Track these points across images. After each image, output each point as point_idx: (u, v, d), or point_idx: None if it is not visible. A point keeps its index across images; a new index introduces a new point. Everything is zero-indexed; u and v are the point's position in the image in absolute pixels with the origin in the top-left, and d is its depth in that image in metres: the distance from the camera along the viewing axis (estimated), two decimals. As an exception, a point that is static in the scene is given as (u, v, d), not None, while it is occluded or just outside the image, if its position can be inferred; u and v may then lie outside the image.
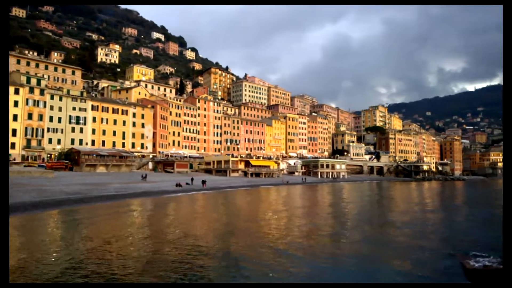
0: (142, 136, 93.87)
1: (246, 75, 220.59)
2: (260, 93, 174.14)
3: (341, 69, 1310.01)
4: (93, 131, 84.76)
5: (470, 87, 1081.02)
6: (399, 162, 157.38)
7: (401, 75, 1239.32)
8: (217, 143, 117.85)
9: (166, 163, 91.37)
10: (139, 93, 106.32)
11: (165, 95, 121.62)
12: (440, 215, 36.04)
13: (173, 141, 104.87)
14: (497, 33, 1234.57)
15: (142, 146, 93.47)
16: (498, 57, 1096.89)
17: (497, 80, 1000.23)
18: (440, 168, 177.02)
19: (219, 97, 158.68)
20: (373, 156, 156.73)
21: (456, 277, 13.56)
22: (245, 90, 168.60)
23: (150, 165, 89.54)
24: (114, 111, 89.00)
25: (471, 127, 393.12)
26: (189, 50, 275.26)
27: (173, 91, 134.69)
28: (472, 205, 48.67)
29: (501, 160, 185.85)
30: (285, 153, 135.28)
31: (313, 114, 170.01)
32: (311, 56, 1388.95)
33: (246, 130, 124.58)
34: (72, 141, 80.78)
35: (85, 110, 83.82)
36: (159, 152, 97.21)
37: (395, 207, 43.69)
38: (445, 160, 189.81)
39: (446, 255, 17.27)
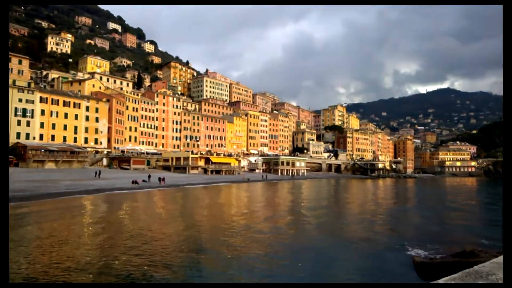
0: (96, 131, 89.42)
1: (207, 70, 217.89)
2: (221, 89, 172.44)
3: (302, 68, 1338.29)
4: (42, 125, 79.40)
5: (422, 89, 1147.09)
6: (356, 160, 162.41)
7: (359, 75, 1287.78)
8: (176, 140, 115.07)
9: (121, 160, 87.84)
10: (93, 85, 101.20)
11: (121, 88, 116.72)
12: (391, 211, 37.21)
13: (130, 137, 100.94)
14: (447, 38, 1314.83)
15: (96, 141, 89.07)
16: (448, 61, 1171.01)
17: (447, 84, 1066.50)
18: (394, 166, 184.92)
19: (179, 92, 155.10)
20: (332, 154, 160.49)
21: (406, 270, 14.02)
22: (206, 85, 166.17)
23: (105, 161, 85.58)
24: (65, 104, 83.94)
25: (422, 128, 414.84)
26: (148, 42, 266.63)
27: (130, 84, 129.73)
28: (421, 202, 50.91)
29: (448, 159, 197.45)
30: (246, 150, 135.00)
31: (275, 112, 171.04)
32: (273, 54, 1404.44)
33: (207, 127, 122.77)
34: (18, 135, 75.14)
35: (32, 102, 78.26)
36: (115, 148, 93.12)
37: (350, 203, 44.66)
38: (399, 158, 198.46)
39: (397, 248, 17.65)
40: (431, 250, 16.79)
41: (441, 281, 2.75)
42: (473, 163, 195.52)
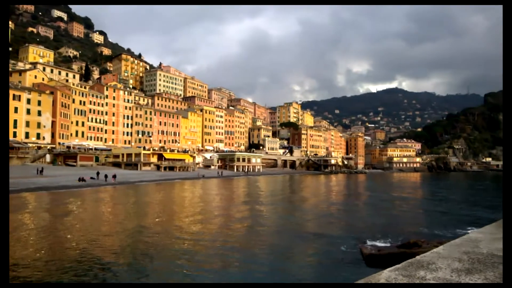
0: (39, 125, 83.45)
1: (160, 64, 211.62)
2: (175, 84, 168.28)
3: (258, 65, 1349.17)
4: (-25, 118, 72.62)
5: (373, 88, 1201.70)
6: (310, 157, 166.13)
7: (314, 74, 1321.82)
8: (127, 135, 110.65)
9: (67, 156, 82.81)
10: (35, 77, 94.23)
11: (67, 80, 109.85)
12: (343, 205, 38.20)
13: (76, 132, 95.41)
14: (395, 39, 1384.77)
15: (38, 136, 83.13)
16: (396, 62, 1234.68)
17: (395, 83, 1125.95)
18: (346, 162, 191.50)
19: (131, 86, 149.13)
20: (287, 151, 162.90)
21: (356, 261, 14.41)
22: (160, 79, 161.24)
23: (48, 157, 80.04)
24: (3, 95, 77.36)
25: (373, 125, 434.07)
26: (97, 33, 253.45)
27: (77, 76, 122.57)
28: (371, 195, 52.89)
29: (395, 155, 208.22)
30: (202, 146, 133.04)
31: (231, 108, 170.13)
32: (229, 49, 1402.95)
33: (160, 122, 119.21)
34: None
35: (-36, 92, 71.28)
36: (59, 143, 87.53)
37: (304, 199, 45.32)
38: (350, 154, 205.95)
39: (347, 241, 17.96)
40: (379, 242, 17.25)
41: (386, 271, 2.90)
42: (418, 159, 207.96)
